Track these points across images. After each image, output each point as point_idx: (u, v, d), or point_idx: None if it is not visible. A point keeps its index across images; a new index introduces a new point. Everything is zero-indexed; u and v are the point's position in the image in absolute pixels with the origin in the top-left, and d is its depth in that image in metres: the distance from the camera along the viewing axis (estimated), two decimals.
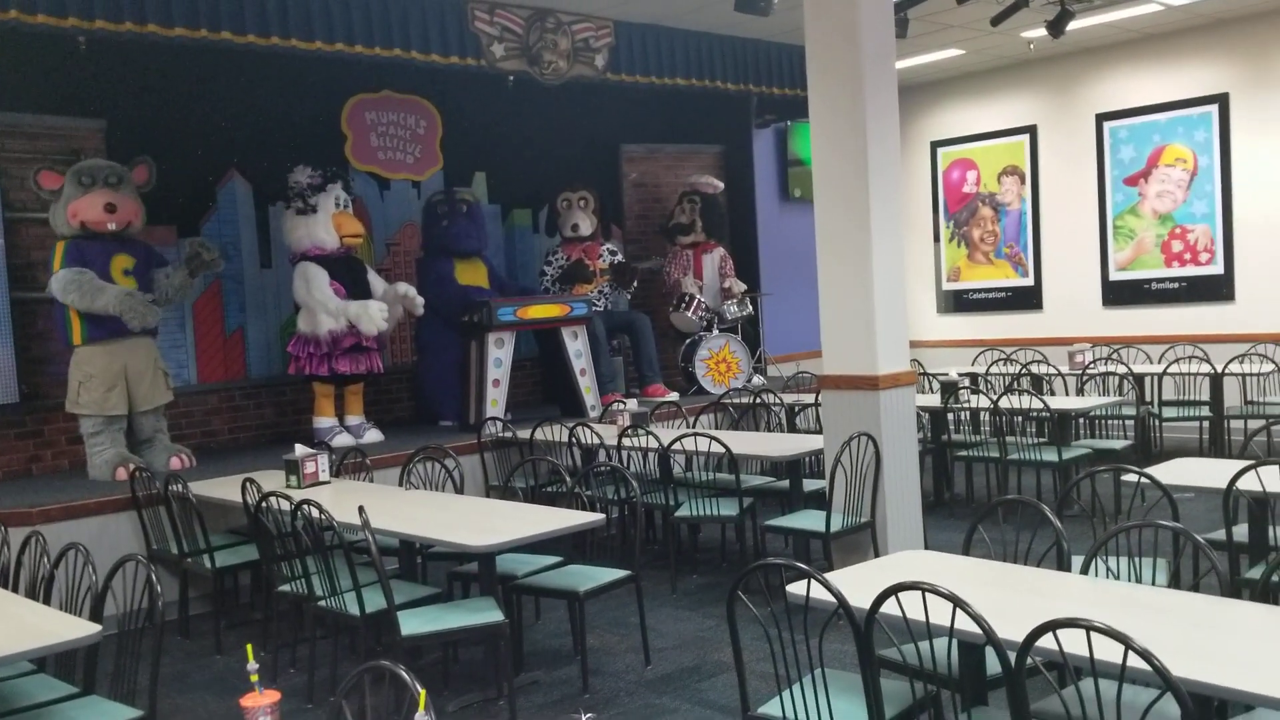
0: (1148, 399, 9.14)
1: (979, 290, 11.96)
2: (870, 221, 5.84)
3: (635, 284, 9.83)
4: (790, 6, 7.64)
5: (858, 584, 3.27)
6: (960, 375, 8.48)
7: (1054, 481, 7.73)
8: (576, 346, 8.49)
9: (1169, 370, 8.84)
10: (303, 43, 6.82)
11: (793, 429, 8.22)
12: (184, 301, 7.52)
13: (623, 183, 10.58)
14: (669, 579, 6.45)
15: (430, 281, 8.51)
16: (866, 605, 3.05)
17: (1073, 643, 2.55)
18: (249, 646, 2.42)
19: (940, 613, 2.89)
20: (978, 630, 2.79)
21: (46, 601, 4.20)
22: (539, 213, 9.87)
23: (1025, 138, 11.46)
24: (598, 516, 4.75)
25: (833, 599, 3.13)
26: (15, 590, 4.53)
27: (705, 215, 10.12)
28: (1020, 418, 7.65)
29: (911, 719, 3.25)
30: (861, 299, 5.89)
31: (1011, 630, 2.76)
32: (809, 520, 5.91)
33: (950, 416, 8.40)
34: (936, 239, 12.24)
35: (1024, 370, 9.45)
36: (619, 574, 5.04)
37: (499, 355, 8.08)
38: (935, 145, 12.19)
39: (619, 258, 9.76)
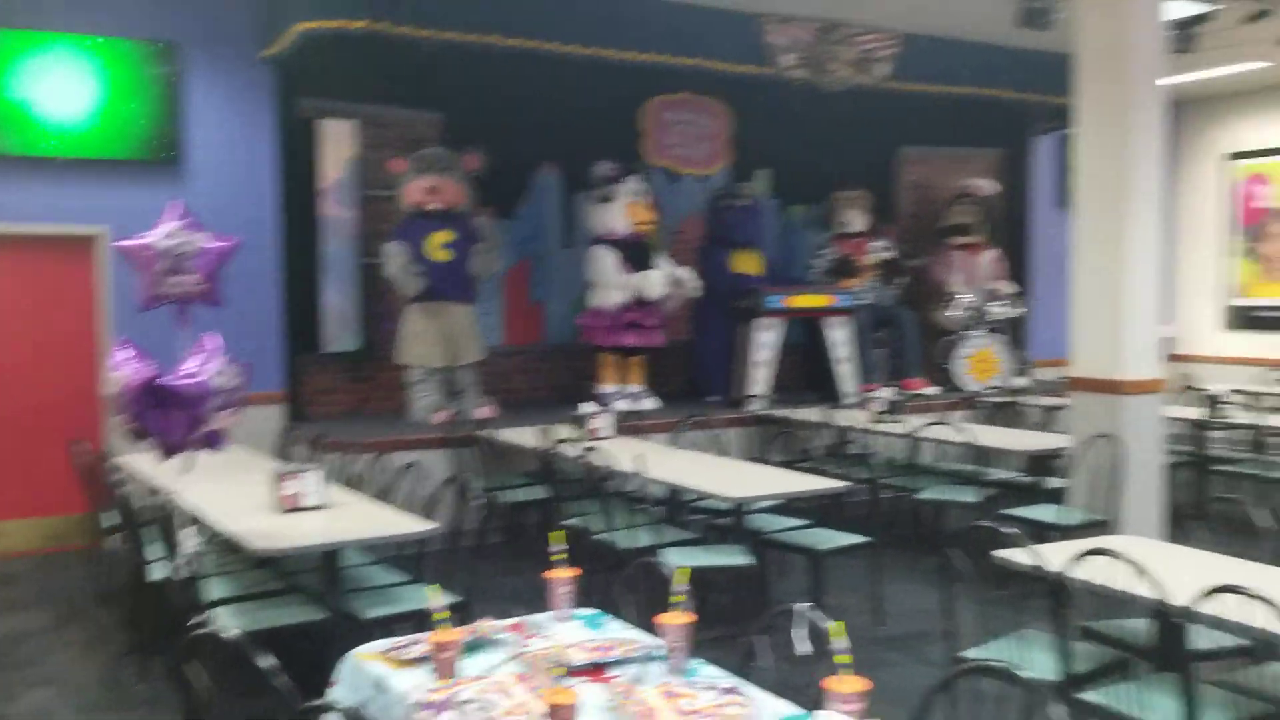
0: None
1: (1270, 308, 11.53)
2: (1125, 230, 6.10)
3: (903, 279, 10.22)
4: (1071, 20, 7.82)
5: (1063, 554, 3.71)
6: (1230, 390, 8.41)
7: None
8: (839, 336, 9.04)
9: None
10: (616, 51, 7.71)
11: (1048, 430, 8.43)
12: (491, 276, 8.59)
13: (899, 182, 10.97)
14: (911, 557, 6.92)
15: (709, 268, 9.28)
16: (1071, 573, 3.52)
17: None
18: (560, 532, 3.21)
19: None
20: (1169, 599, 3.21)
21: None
22: (815, 208, 10.43)
23: None
24: (842, 483, 5.34)
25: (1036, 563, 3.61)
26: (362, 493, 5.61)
27: (985, 217, 10.38)
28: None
29: (1098, 678, 3.68)
30: (1111, 304, 6.16)
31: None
32: (1045, 513, 6.23)
33: (1223, 433, 8.32)
34: (1226, 253, 11.87)
35: None
36: (859, 539, 5.62)
37: (765, 339, 8.75)
38: (1231, 157, 11.82)
39: (888, 254, 10.18)
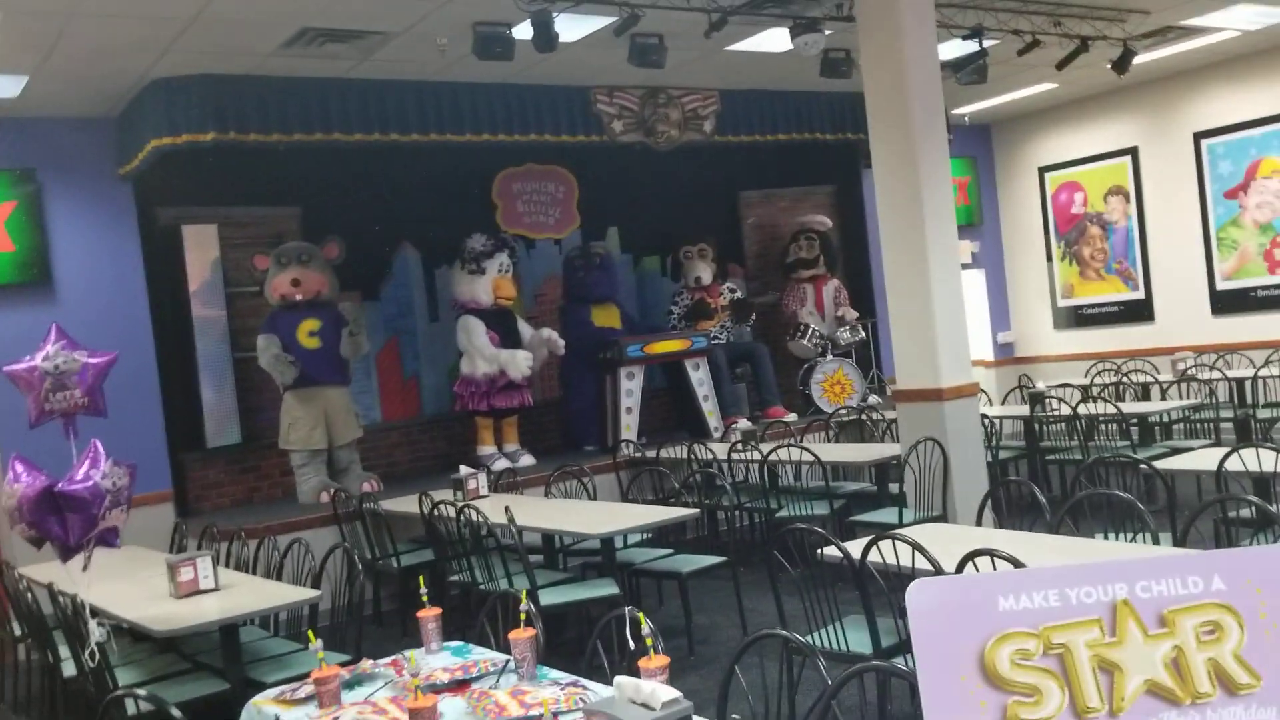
0: (1250, 402, 9.67)
1: (1093, 305, 12.58)
2: (927, 254, 6.85)
3: (754, 317, 10.93)
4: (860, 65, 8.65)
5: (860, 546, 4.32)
6: (1049, 387, 9.26)
7: (1139, 481, 8.42)
8: (699, 376, 9.67)
9: (1259, 374, 9.38)
10: (456, 136, 8.28)
11: (897, 440, 9.15)
12: (362, 357, 8.99)
13: (742, 225, 11.72)
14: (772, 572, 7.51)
15: (571, 325, 9.84)
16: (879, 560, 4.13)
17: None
18: (420, 577, 3.68)
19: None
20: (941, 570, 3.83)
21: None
22: (666, 258, 11.10)
23: (1127, 159, 12.08)
24: (692, 511, 5.91)
25: (840, 555, 4.21)
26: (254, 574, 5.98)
27: (824, 250, 11.17)
28: (1106, 423, 8.39)
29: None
30: (922, 319, 6.89)
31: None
32: (888, 516, 6.89)
33: (1062, 426, 9.11)
34: (1050, 259, 12.92)
35: (1121, 379, 10.12)
36: (716, 560, 6.18)
37: (630, 386, 9.33)
38: (1043, 170, 12.91)
39: (738, 294, 10.89)
